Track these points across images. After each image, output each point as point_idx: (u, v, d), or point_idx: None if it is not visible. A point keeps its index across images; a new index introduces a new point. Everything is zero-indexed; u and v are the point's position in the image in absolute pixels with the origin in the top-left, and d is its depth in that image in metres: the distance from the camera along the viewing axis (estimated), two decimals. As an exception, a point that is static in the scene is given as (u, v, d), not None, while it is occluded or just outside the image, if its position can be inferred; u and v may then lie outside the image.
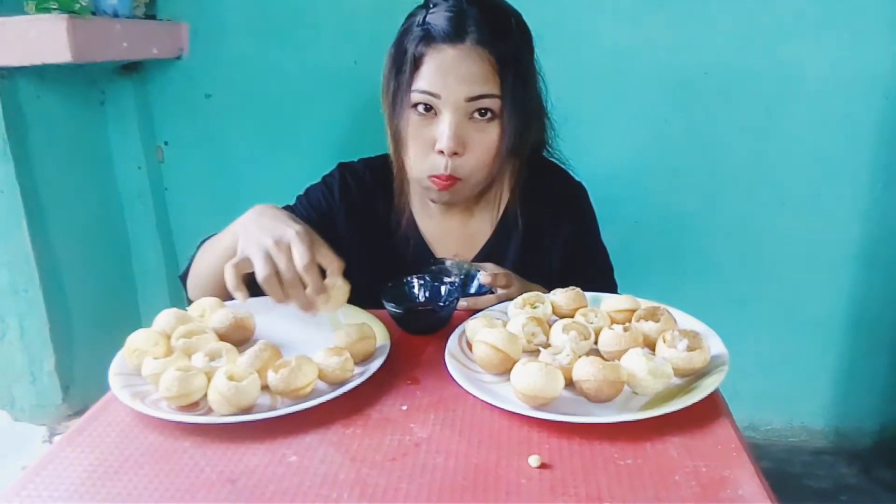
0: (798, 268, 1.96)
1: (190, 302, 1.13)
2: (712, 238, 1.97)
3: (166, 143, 2.03)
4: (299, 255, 0.87)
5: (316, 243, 0.91)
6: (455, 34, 1.02)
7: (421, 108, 1.05)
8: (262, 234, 0.90)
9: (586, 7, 1.80)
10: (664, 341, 0.83)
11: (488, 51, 1.02)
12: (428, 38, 1.02)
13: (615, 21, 1.80)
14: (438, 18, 1.03)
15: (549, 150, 1.23)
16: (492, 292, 1.07)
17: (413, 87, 1.04)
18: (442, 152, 1.04)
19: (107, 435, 0.75)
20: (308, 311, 0.90)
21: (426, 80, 1.03)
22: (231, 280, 0.88)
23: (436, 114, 1.05)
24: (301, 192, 1.24)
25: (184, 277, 1.16)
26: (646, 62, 1.82)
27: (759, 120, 1.84)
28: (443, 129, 1.03)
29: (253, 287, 0.90)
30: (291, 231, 0.89)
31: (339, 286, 0.91)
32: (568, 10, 1.80)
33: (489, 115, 1.05)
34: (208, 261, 1.06)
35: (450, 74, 1.02)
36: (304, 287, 0.88)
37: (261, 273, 0.87)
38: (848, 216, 1.90)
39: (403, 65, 1.04)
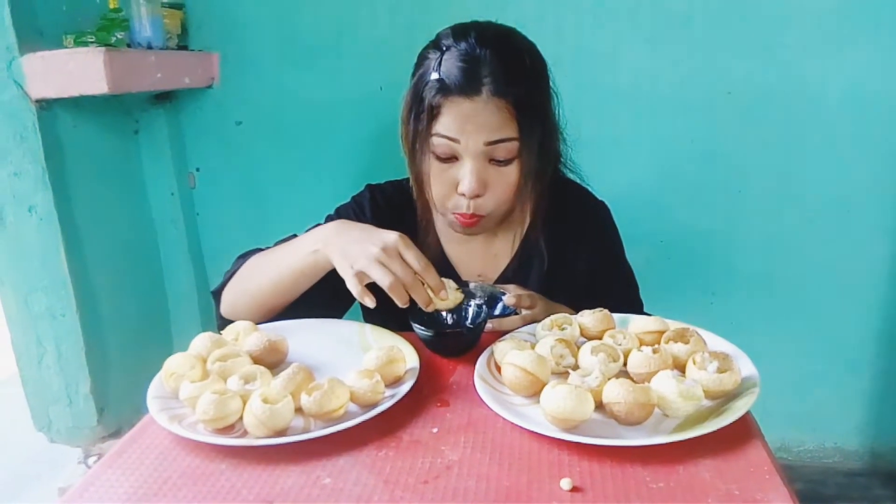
0: (828, 286, 1.94)
1: (220, 318, 1.15)
2: (740, 257, 1.95)
3: (198, 170, 2.08)
4: (415, 258, 0.94)
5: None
6: (469, 86, 1.01)
7: (441, 153, 1.06)
8: (363, 245, 0.95)
9: (607, 29, 1.81)
10: (694, 363, 0.83)
11: (505, 100, 1.02)
12: (444, 89, 1.02)
13: (636, 42, 1.81)
14: (452, 68, 1.02)
15: (567, 165, 1.23)
16: (516, 313, 1.08)
17: (432, 134, 1.05)
18: (464, 194, 1.06)
19: (146, 457, 0.77)
20: (428, 307, 0.96)
21: (444, 129, 1.04)
22: (357, 289, 0.94)
23: (456, 158, 1.06)
24: (330, 213, 1.26)
25: (217, 293, 1.17)
26: (668, 82, 1.83)
27: (784, 138, 1.83)
28: (464, 173, 1.05)
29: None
30: (392, 236, 0.95)
31: (449, 283, 0.98)
32: (588, 32, 1.82)
33: (508, 157, 1.06)
34: (268, 276, 1.08)
35: (468, 125, 1.02)
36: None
37: (385, 281, 0.92)
38: (877, 234, 1.87)
39: (421, 113, 1.05)
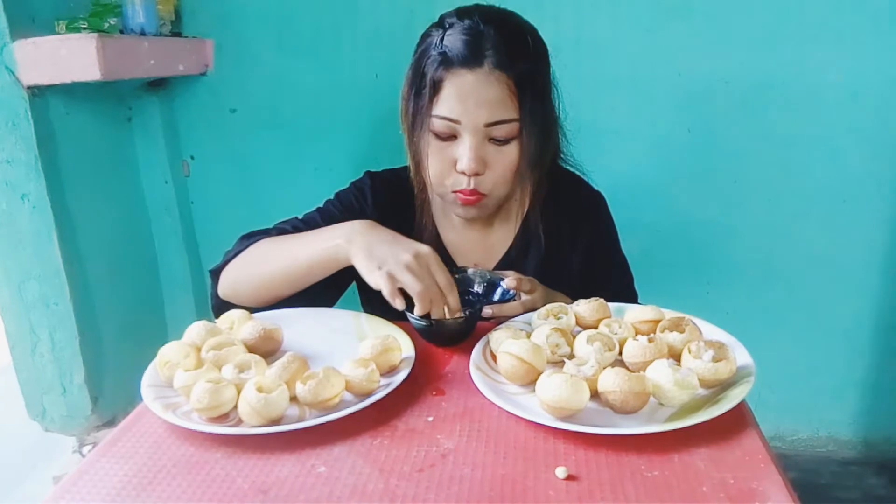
0: (824, 276, 1.94)
1: (216, 297, 1.14)
2: (736, 247, 1.95)
3: (192, 158, 2.07)
4: (443, 275, 0.96)
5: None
6: (472, 58, 1.02)
7: (441, 132, 1.06)
8: (394, 249, 0.95)
9: (604, 17, 1.80)
10: (690, 352, 0.83)
11: (506, 74, 1.02)
12: (446, 62, 1.03)
13: (634, 31, 1.81)
14: (455, 41, 1.03)
15: (563, 157, 1.23)
16: (514, 299, 1.07)
17: (433, 113, 1.05)
18: (463, 172, 1.06)
19: (140, 446, 0.77)
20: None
21: (445, 106, 1.04)
22: (389, 289, 0.93)
23: (456, 136, 1.06)
24: (330, 197, 1.26)
25: (216, 272, 1.15)
26: (666, 71, 1.82)
27: (781, 128, 1.83)
28: (463, 150, 1.05)
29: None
30: (426, 249, 0.96)
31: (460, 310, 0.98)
32: (586, 20, 1.81)
33: (508, 137, 1.06)
34: (280, 264, 1.07)
35: (468, 100, 1.02)
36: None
37: (415, 287, 0.92)
38: (874, 224, 1.88)
39: (422, 89, 1.05)
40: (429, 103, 1.05)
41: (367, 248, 0.97)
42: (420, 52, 1.08)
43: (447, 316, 0.96)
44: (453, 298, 0.96)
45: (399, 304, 0.94)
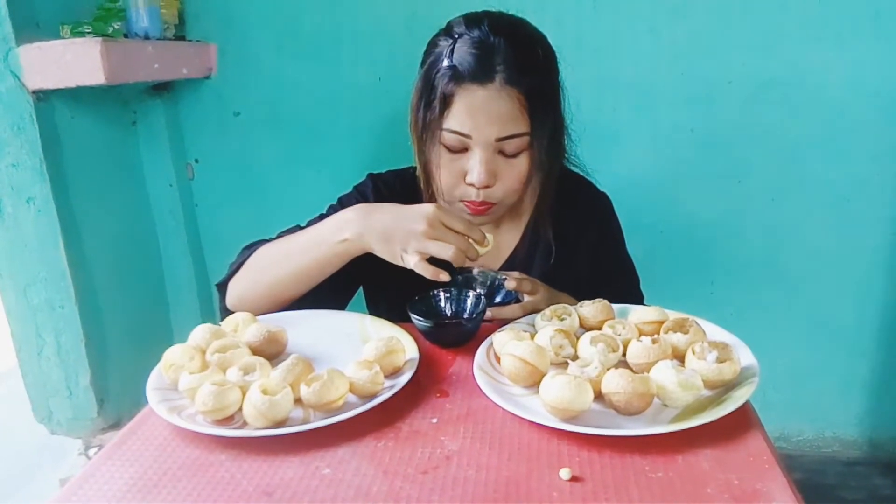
0: (827, 276, 1.94)
1: (225, 311, 1.15)
2: (740, 247, 1.95)
3: (196, 161, 2.07)
4: (458, 221, 0.96)
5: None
6: (483, 73, 1.01)
7: (451, 145, 1.06)
8: (404, 225, 0.95)
9: (605, 18, 1.80)
10: (693, 353, 0.83)
11: (517, 90, 1.01)
12: (456, 76, 1.02)
13: (636, 31, 1.81)
14: (465, 55, 1.02)
15: (568, 158, 1.22)
16: (518, 301, 1.07)
17: (444, 126, 1.04)
18: (473, 185, 1.06)
19: (145, 449, 0.77)
20: (476, 260, 0.98)
21: (456, 120, 1.03)
22: (429, 270, 0.94)
23: (466, 149, 1.06)
24: (333, 203, 1.26)
25: (223, 285, 1.15)
26: (669, 72, 1.82)
27: (784, 128, 1.83)
28: (474, 164, 1.05)
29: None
30: (429, 209, 0.95)
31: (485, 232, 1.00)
32: (589, 22, 1.81)
33: (518, 150, 1.06)
34: (288, 267, 1.06)
35: (479, 115, 1.02)
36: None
37: (446, 253, 0.93)
38: (877, 223, 1.87)
39: (432, 101, 1.04)
40: (439, 116, 1.04)
41: (381, 235, 0.97)
42: (429, 64, 1.07)
43: (479, 252, 0.97)
44: (475, 233, 0.97)
45: (444, 276, 0.94)
